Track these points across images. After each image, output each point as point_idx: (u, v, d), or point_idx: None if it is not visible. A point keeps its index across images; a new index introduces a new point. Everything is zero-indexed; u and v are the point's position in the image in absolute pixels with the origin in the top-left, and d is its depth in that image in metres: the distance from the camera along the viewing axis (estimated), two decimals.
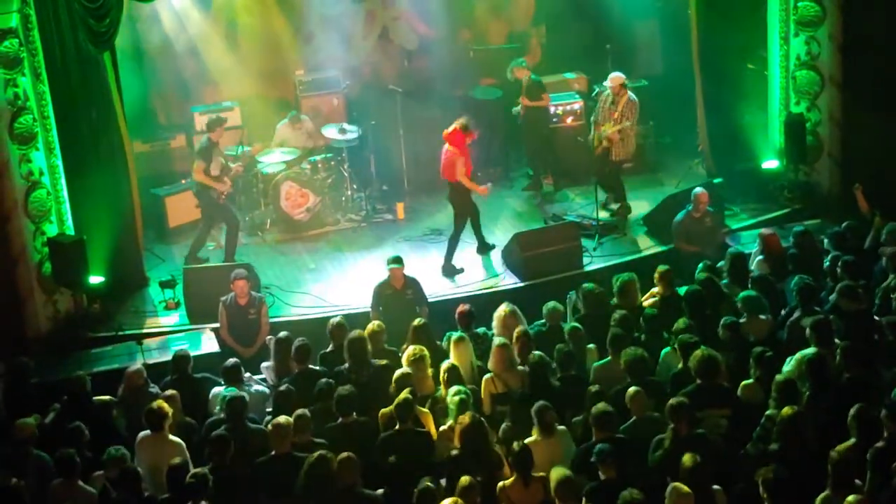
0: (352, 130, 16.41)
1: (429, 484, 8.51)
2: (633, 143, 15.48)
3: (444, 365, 10.45)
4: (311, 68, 17.89)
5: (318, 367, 11.10)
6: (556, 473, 8.47)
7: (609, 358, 10.54)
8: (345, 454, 8.71)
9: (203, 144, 14.79)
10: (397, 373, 10.26)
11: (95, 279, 13.42)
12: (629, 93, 15.23)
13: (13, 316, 13.04)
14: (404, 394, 9.71)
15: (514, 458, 8.84)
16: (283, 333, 11.57)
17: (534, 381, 10.12)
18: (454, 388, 9.83)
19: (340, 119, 17.09)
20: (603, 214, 15.28)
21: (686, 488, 7.99)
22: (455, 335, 11.05)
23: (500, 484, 8.82)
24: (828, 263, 11.89)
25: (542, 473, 8.78)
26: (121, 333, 13.23)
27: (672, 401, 9.08)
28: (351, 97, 17.58)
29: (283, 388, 10.47)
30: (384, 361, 10.78)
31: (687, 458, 8.30)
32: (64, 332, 13.34)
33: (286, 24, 17.67)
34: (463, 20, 18.47)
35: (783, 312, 11.35)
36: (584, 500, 8.41)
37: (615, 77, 15.25)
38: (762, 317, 11.11)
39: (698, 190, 14.04)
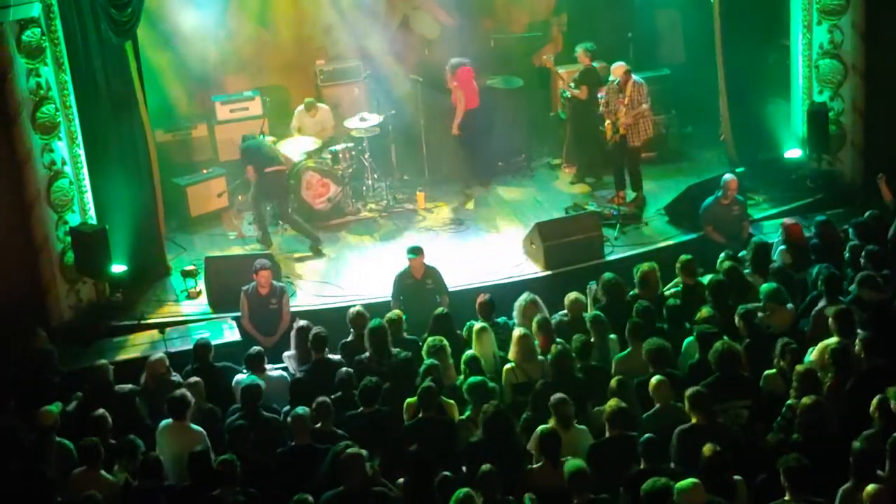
0: (372, 120, 16.42)
1: (446, 474, 8.50)
2: (649, 127, 15.37)
3: (466, 355, 10.47)
4: (331, 58, 17.91)
5: (334, 357, 11.12)
6: (570, 465, 8.47)
7: (630, 349, 10.53)
8: (350, 451, 8.59)
9: None
10: (424, 364, 10.27)
11: (118, 268, 13.46)
12: (633, 77, 15.12)
13: (36, 305, 13.10)
14: (427, 381, 9.74)
15: (542, 443, 8.84)
16: (302, 322, 11.61)
17: (557, 371, 10.11)
18: (472, 379, 9.85)
19: (361, 108, 17.09)
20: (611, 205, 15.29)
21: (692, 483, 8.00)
22: (477, 325, 11.07)
23: (529, 467, 8.87)
24: (849, 253, 11.82)
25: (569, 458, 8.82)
26: (143, 322, 13.30)
27: (690, 390, 9.07)
28: (371, 86, 17.56)
29: (297, 375, 10.49)
30: (405, 352, 10.79)
31: (707, 448, 8.29)
32: (86, 321, 13.39)
33: (307, 13, 17.67)
34: (484, 9, 18.44)
35: (806, 302, 11.32)
36: (622, 489, 8.44)
37: (617, 67, 15.12)
38: (786, 307, 11.08)
39: (728, 176, 13.98)
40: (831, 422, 8.84)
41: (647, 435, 8.73)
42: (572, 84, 16.18)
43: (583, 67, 16.16)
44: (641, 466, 8.58)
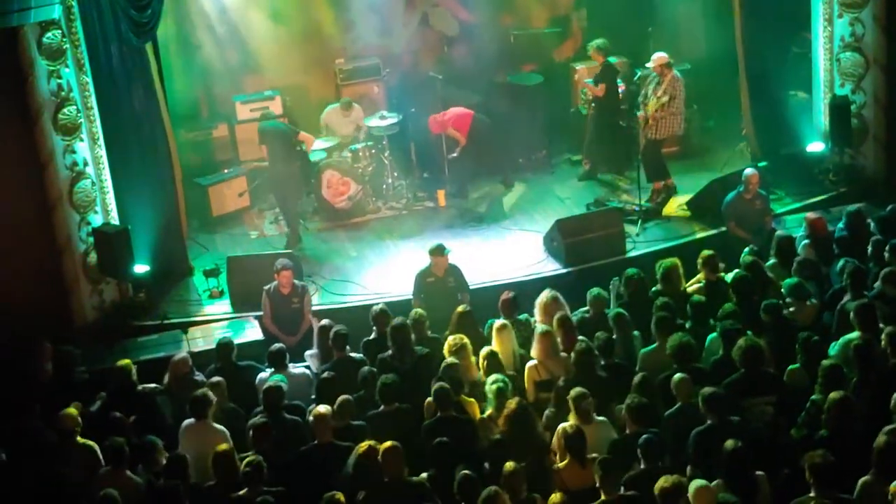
0: (392, 118, 16.42)
1: (467, 472, 8.51)
2: (677, 123, 15.33)
3: (483, 351, 10.46)
4: (351, 56, 17.90)
5: (356, 355, 11.14)
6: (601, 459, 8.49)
7: (656, 344, 10.49)
8: (389, 443, 8.73)
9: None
10: (444, 363, 10.27)
11: (140, 268, 13.50)
12: (673, 71, 15.12)
13: (60, 306, 13.18)
14: (441, 382, 9.75)
15: (568, 441, 8.84)
16: (325, 321, 11.63)
17: (580, 369, 10.09)
18: (492, 377, 9.84)
19: (381, 107, 17.10)
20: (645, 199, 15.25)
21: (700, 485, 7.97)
22: (497, 322, 11.05)
23: (555, 466, 8.86)
24: (872, 248, 11.75)
25: (595, 455, 8.81)
26: (166, 322, 13.35)
27: (705, 391, 9.04)
28: (391, 84, 17.58)
29: (325, 375, 10.51)
30: (426, 350, 10.79)
31: (728, 444, 8.27)
32: (110, 322, 13.47)
33: (326, 12, 17.68)
34: (504, 5, 18.42)
35: (828, 295, 11.27)
36: (623, 488, 8.41)
37: (657, 57, 15.14)
38: (808, 302, 11.03)
39: (749, 171, 13.91)
40: (857, 418, 8.81)
41: (645, 435, 8.72)
42: (591, 81, 16.16)
43: (601, 65, 16.11)
44: (641, 466, 8.58)
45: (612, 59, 16.20)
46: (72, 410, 10.00)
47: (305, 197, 15.99)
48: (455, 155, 16.24)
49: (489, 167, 16.75)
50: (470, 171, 16.50)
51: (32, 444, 9.76)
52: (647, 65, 15.29)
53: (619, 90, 16.41)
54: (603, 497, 8.32)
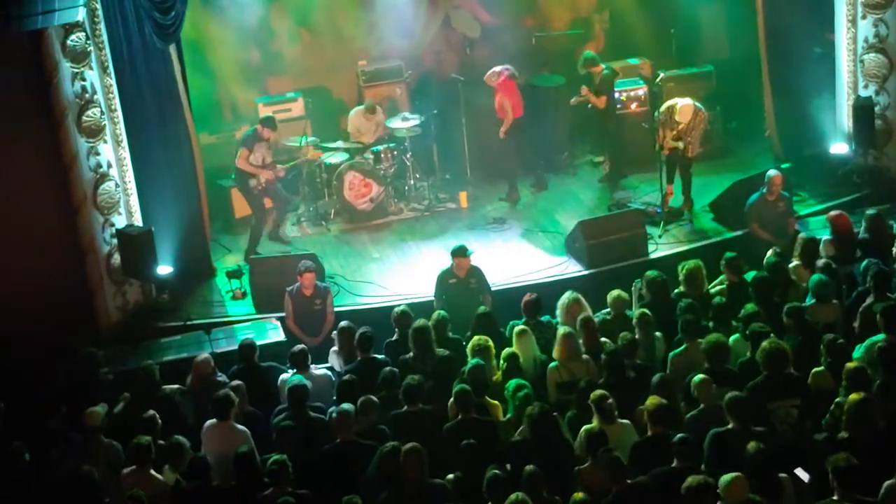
0: (414, 119, 16.43)
1: (496, 471, 8.52)
2: (701, 136, 15.29)
3: (504, 353, 10.45)
4: (373, 58, 17.93)
5: (380, 356, 11.15)
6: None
7: (685, 346, 10.46)
8: (411, 445, 8.73)
9: (248, 133, 15.08)
10: (470, 364, 10.27)
11: (164, 270, 13.56)
12: (693, 105, 14.81)
13: (84, 307, 13.24)
14: (461, 383, 9.75)
15: (590, 442, 8.84)
16: (345, 322, 11.64)
17: (611, 370, 10.08)
18: (512, 382, 9.83)
19: (403, 108, 17.12)
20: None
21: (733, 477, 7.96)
22: (518, 327, 11.01)
23: (577, 468, 8.85)
24: None
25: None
26: (189, 323, 13.38)
27: (729, 395, 9.01)
28: (413, 86, 17.59)
29: (345, 377, 10.54)
30: (448, 351, 10.79)
31: (751, 446, 8.25)
32: (133, 323, 13.52)
33: (349, 14, 17.72)
34: (525, 7, 18.42)
35: (853, 297, 11.21)
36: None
37: (685, 109, 14.67)
38: (832, 302, 10.98)
39: (772, 172, 13.85)
40: (879, 419, 8.76)
41: (680, 434, 8.70)
42: (594, 94, 16.07)
43: (599, 74, 16.03)
44: (674, 465, 8.56)
45: (607, 70, 16.13)
46: (97, 409, 10.06)
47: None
48: (505, 131, 16.08)
49: (524, 163, 16.71)
50: (493, 171, 16.50)
51: (58, 444, 9.81)
52: (678, 120, 14.70)
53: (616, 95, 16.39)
54: (613, 490, 8.36)
